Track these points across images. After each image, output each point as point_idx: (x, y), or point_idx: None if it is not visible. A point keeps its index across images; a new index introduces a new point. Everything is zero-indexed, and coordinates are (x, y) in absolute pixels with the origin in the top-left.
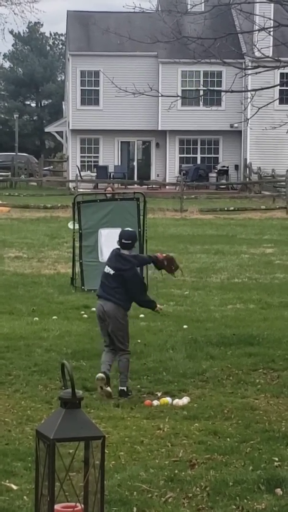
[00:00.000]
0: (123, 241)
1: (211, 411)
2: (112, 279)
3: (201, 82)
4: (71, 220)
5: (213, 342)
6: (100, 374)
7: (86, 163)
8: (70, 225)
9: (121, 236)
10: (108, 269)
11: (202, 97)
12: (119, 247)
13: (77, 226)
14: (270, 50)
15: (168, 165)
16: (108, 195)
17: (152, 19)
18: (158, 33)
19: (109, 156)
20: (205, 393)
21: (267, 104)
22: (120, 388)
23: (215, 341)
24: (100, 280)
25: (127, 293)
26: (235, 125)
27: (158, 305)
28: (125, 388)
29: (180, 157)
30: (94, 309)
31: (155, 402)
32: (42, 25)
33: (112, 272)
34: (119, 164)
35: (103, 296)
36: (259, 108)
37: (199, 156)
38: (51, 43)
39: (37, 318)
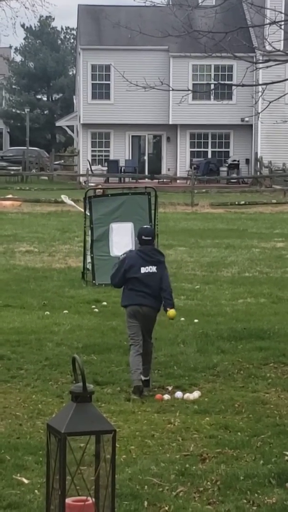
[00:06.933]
0: (143, 237)
1: (222, 405)
2: (151, 279)
3: (212, 76)
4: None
5: (224, 336)
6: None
7: (97, 157)
8: (65, 199)
9: (140, 234)
10: (148, 268)
11: (213, 91)
12: (139, 245)
13: (68, 201)
14: (281, 44)
15: (179, 159)
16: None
17: (163, 13)
18: (169, 27)
19: (120, 150)
20: (216, 387)
21: (278, 98)
22: (144, 378)
23: (226, 335)
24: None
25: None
26: (246, 119)
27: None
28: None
29: (191, 151)
30: (105, 303)
31: (166, 396)
32: (53, 19)
33: (154, 269)
34: (130, 158)
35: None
36: (270, 102)
37: (210, 150)
38: (62, 37)
39: (48, 312)
